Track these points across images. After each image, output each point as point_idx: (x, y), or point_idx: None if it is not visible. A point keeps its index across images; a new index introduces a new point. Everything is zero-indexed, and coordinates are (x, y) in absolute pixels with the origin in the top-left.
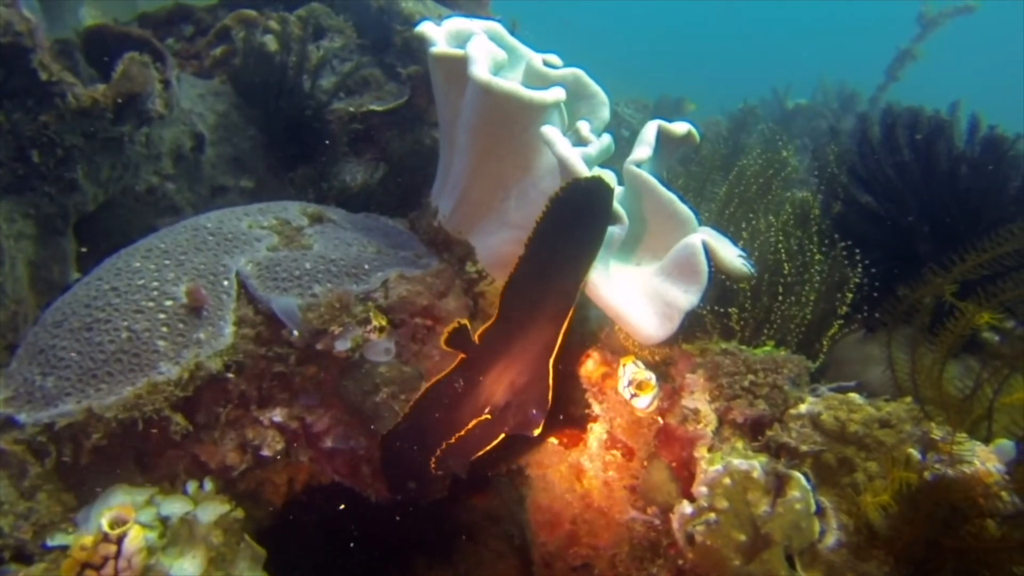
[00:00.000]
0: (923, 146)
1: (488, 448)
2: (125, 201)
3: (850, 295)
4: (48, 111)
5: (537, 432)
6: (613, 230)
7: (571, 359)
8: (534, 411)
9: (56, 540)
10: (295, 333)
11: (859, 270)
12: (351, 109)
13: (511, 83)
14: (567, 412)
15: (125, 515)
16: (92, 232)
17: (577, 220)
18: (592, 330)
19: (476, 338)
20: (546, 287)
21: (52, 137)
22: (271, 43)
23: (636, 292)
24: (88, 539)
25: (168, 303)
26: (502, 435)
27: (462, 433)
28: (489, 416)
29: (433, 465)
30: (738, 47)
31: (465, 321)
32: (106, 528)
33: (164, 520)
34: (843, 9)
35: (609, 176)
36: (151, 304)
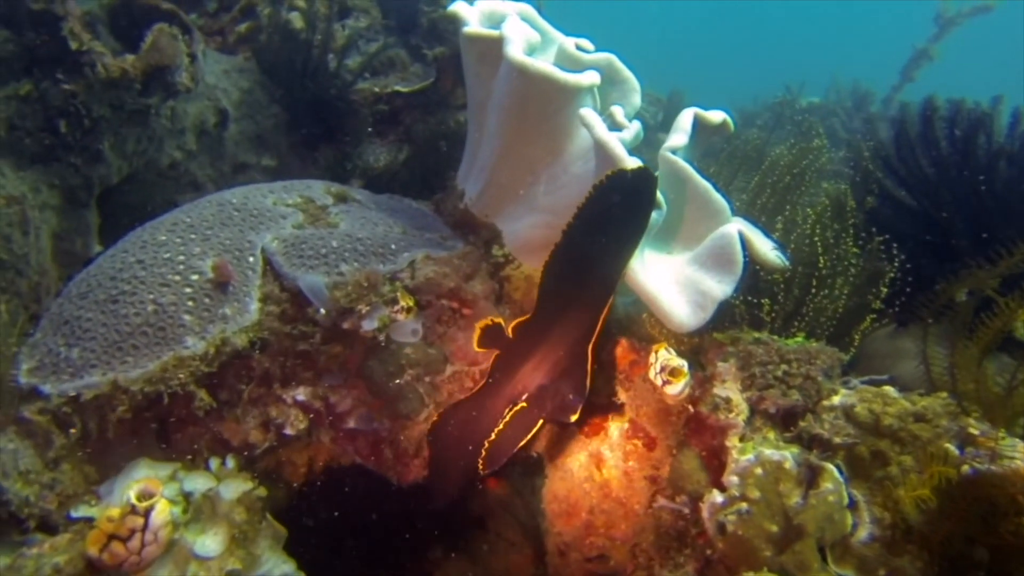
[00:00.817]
0: (961, 139)
1: (528, 437)
2: (147, 175)
3: (884, 289)
4: (77, 80)
5: (574, 418)
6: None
7: (599, 347)
8: (571, 396)
9: (80, 512)
10: (321, 311)
11: (895, 264)
12: (376, 90)
13: (547, 64)
14: (589, 400)
15: (152, 488)
16: (113, 206)
17: (622, 209)
18: (618, 317)
19: (511, 331)
20: (588, 275)
21: (79, 107)
22: (297, 20)
23: (670, 280)
24: (115, 511)
25: (194, 277)
26: (540, 422)
27: (501, 427)
28: (525, 404)
29: (482, 466)
30: (751, 45)
31: (499, 319)
32: (134, 500)
33: (187, 496)
34: (858, 8)
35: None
36: (177, 278)
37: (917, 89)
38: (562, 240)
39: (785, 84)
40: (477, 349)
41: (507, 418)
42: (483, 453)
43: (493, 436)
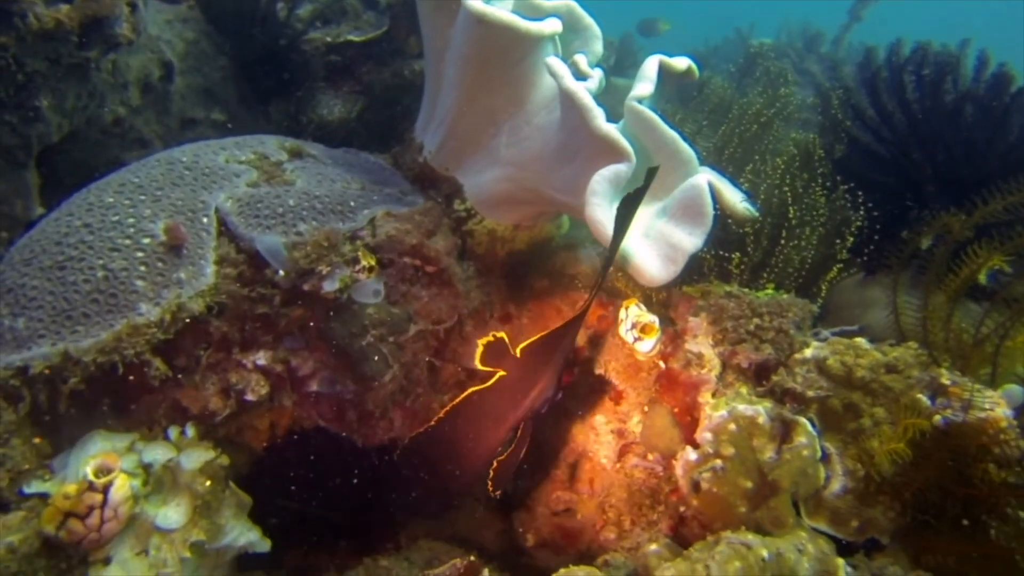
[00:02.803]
0: (928, 84)
1: (526, 448)
2: (90, 133)
3: (851, 238)
4: (7, 32)
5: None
6: (620, 168)
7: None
8: (552, 391)
9: (33, 488)
10: (280, 272)
11: (861, 213)
12: (328, 39)
13: (507, 13)
14: None
15: (110, 463)
16: (55, 165)
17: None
18: (585, 271)
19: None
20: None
21: (11, 61)
22: None
23: (639, 233)
24: (72, 487)
25: (146, 240)
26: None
27: (513, 448)
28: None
29: (491, 489)
30: None
31: (502, 334)
32: (91, 477)
33: (147, 467)
34: None
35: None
36: (128, 242)
37: (864, 28)
38: None
39: (735, 27)
40: (479, 367)
41: (513, 448)
42: (492, 474)
43: (504, 458)
